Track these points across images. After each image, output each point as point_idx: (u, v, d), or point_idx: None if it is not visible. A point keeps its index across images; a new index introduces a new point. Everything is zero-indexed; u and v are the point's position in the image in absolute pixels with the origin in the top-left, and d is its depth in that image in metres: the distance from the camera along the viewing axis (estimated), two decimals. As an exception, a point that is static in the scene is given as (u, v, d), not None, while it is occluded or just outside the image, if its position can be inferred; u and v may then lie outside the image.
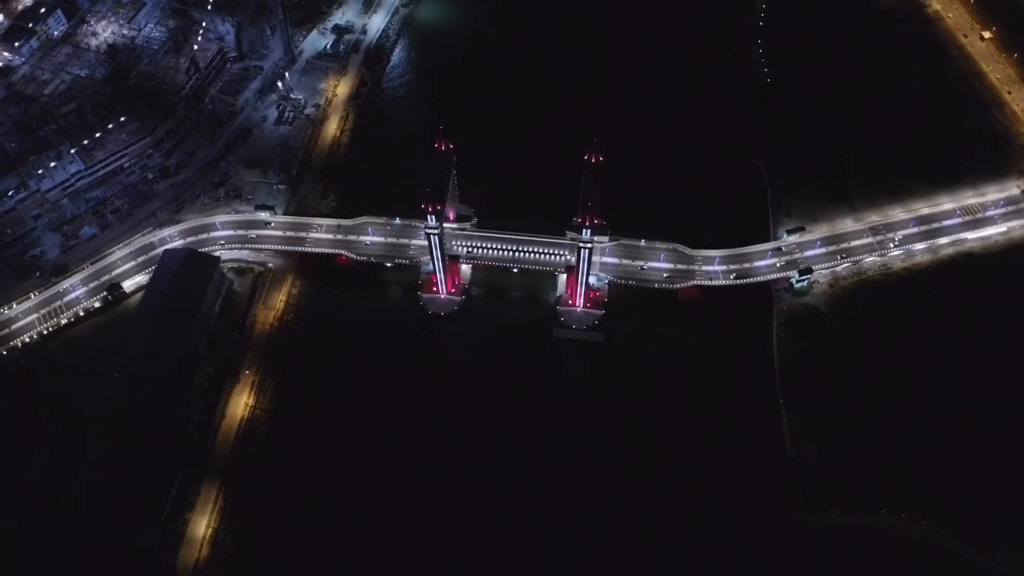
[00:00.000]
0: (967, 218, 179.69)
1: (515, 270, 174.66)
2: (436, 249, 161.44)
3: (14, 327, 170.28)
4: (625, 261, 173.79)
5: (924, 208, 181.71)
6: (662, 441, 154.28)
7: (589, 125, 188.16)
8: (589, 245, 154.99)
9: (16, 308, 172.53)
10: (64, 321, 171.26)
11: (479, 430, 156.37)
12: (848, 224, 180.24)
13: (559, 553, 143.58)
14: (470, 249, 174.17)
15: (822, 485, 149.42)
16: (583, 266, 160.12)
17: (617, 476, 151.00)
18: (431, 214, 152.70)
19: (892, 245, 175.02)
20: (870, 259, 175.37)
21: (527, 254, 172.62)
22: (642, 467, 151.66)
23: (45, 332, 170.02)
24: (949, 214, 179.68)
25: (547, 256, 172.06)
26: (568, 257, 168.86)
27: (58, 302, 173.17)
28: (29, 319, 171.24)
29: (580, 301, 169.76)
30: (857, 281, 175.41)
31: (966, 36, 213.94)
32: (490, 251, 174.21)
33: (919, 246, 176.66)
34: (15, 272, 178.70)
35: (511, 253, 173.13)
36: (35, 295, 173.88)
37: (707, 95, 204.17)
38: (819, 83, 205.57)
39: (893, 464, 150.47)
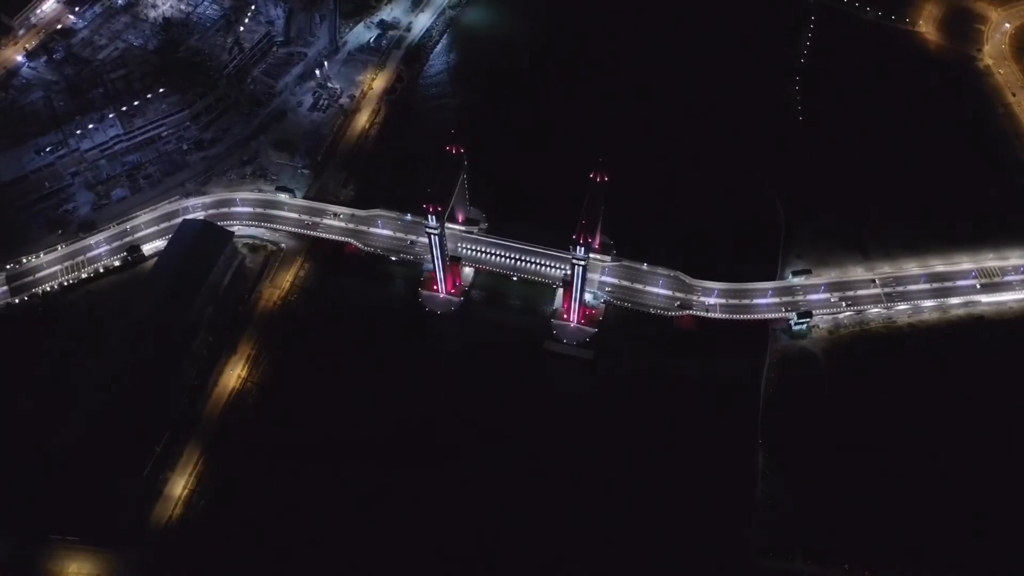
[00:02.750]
0: (983, 280, 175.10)
1: (515, 278, 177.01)
2: (436, 249, 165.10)
3: (38, 275, 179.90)
4: (624, 282, 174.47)
5: (940, 265, 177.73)
6: (633, 467, 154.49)
7: (614, 143, 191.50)
8: (583, 262, 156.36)
9: (43, 258, 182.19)
10: (84, 275, 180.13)
11: (454, 428, 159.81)
12: (858, 272, 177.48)
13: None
14: (473, 252, 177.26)
15: (787, 531, 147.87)
16: (577, 282, 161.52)
17: (579, 500, 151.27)
18: (432, 214, 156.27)
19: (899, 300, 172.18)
20: (875, 310, 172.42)
21: (527, 264, 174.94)
22: (608, 492, 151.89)
23: (66, 283, 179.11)
24: (964, 274, 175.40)
25: (546, 268, 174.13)
26: (567, 271, 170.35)
27: (81, 257, 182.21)
28: (53, 269, 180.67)
29: (574, 317, 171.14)
30: (859, 331, 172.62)
31: (1014, 95, 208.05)
32: (492, 256, 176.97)
33: (928, 303, 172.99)
34: (47, 224, 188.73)
35: (512, 261, 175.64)
36: (62, 248, 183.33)
37: (737, 126, 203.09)
38: (854, 127, 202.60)
39: (864, 520, 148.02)
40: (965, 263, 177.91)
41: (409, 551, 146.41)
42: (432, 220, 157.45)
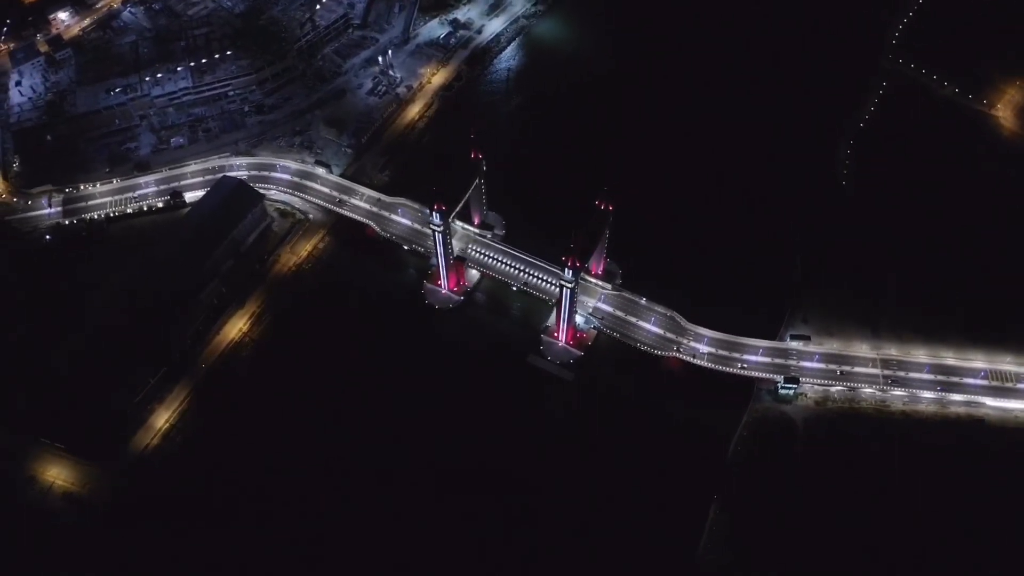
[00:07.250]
0: (993, 383, 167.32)
1: (514, 288, 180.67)
2: (439, 246, 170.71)
3: (91, 202, 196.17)
4: (619, 313, 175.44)
5: (950, 359, 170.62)
6: (582, 502, 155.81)
7: (653, 174, 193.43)
8: (570, 284, 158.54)
9: (99, 188, 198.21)
10: (129, 210, 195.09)
11: (419, 412, 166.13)
12: (862, 349, 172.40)
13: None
14: (479, 255, 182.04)
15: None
16: (565, 303, 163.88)
17: (516, 526, 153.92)
18: (436, 212, 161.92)
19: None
20: (868, 390, 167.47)
21: (528, 276, 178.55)
22: (552, 523, 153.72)
23: (111, 215, 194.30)
24: (974, 372, 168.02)
25: (545, 284, 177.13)
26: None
27: (131, 193, 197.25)
28: (104, 200, 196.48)
29: (562, 336, 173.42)
30: (847, 407, 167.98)
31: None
32: (496, 263, 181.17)
33: (927, 395, 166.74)
34: (110, 158, 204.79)
35: (514, 271, 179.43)
36: (116, 181, 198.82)
37: (779, 178, 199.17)
38: (898, 201, 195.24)
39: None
40: (979, 361, 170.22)
41: (363, 523, 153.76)
42: (435, 217, 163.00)
